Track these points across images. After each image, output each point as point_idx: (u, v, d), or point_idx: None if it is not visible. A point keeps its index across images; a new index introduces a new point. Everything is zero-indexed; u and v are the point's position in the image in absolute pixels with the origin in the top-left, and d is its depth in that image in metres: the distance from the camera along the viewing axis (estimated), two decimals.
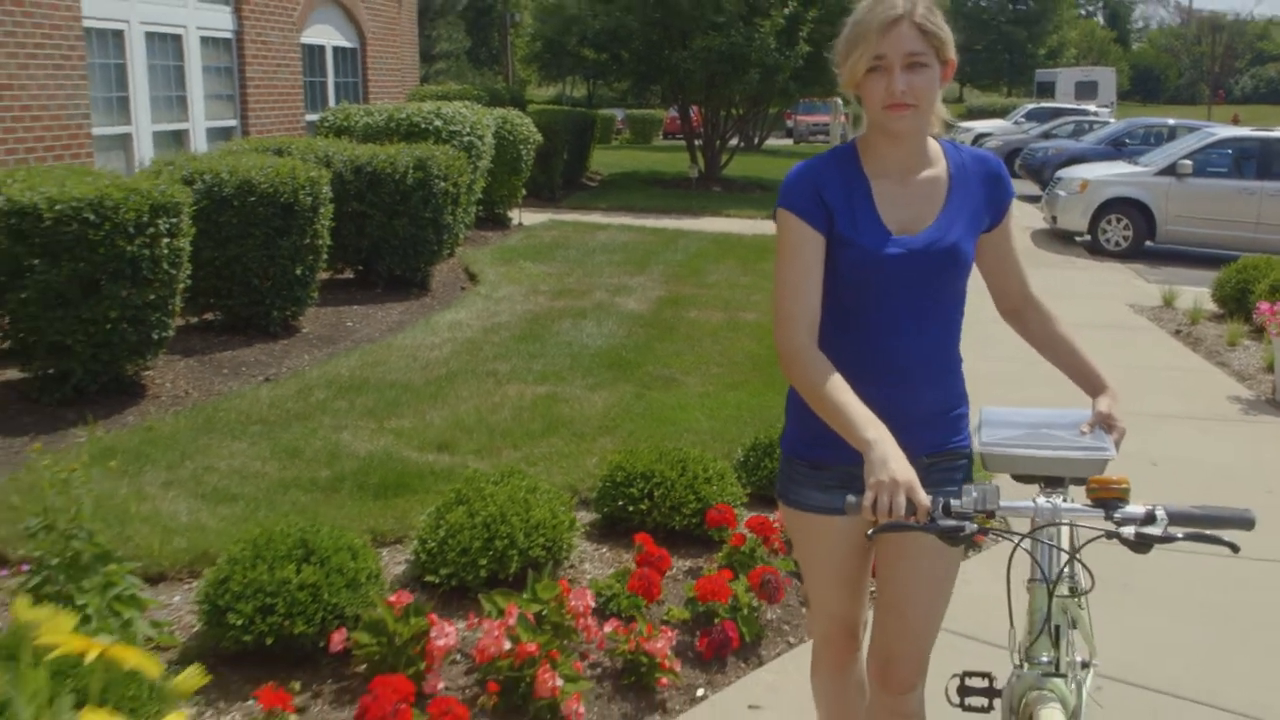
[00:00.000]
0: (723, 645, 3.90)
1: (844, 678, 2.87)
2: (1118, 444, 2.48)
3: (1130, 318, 10.59)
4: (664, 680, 3.69)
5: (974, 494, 2.19)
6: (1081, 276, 13.15)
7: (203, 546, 4.55)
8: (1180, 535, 2.15)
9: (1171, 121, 23.47)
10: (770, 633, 4.12)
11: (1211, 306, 10.52)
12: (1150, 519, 2.21)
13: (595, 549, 4.77)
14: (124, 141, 10.39)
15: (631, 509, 4.73)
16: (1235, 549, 2.14)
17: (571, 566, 4.56)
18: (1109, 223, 15.35)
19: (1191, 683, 3.93)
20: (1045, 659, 2.37)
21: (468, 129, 12.45)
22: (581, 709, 3.40)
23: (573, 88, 44.00)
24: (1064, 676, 2.35)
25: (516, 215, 15.82)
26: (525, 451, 5.88)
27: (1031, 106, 36.42)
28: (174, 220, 6.86)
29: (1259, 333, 9.25)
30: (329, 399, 6.87)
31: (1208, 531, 2.16)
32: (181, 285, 7.11)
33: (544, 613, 3.64)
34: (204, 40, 11.66)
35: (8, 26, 8.64)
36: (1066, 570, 2.46)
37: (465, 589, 4.10)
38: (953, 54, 2.38)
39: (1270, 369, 8.21)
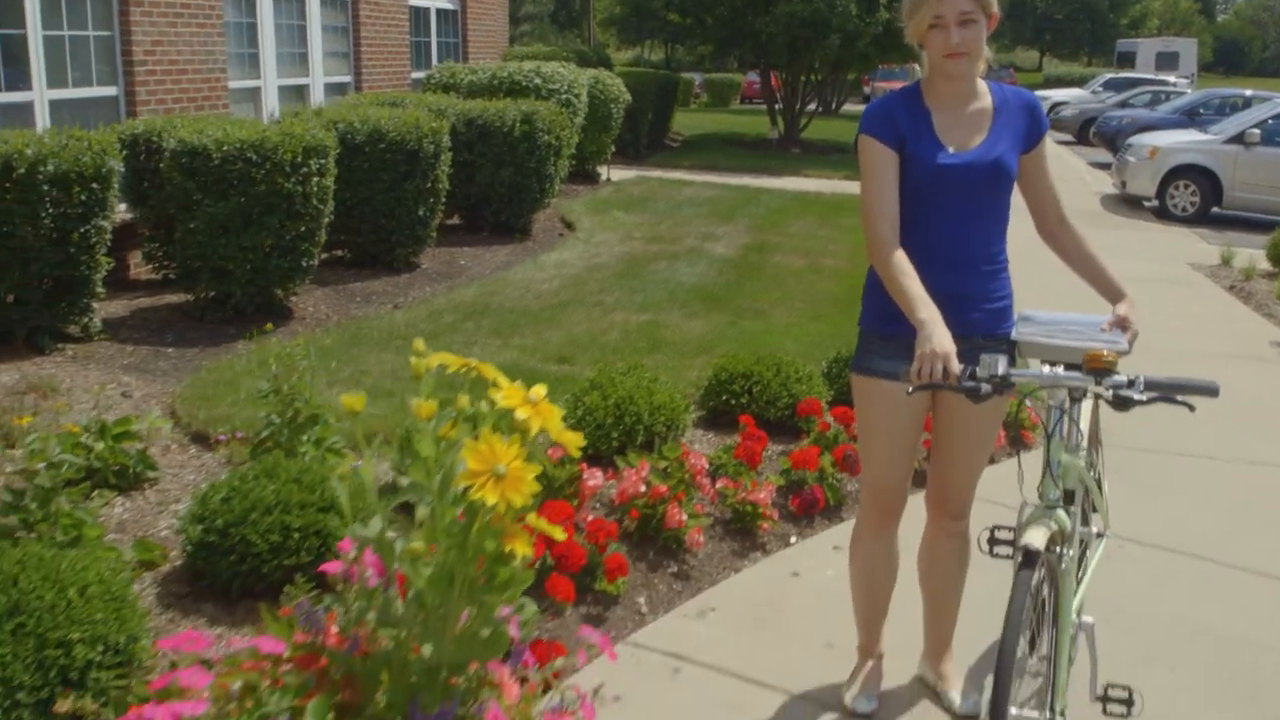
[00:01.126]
0: (811, 505, 4.74)
1: (880, 546, 3.38)
2: (1131, 343, 3.05)
3: (1188, 274, 11.20)
4: (765, 526, 4.55)
5: (988, 361, 2.74)
6: (1146, 238, 13.68)
7: (372, 426, 5.45)
8: (1145, 399, 2.69)
9: (1248, 93, 23.45)
10: (850, 500, 4.95)
11: (1266, 265, 11.09)
12: (1130, 384, 2.69)
13: (703, 435, 5.64)
14: (254, 95, 11.32)
15: (733, 403, 5.59)
16: (1191, 409, 2.66)
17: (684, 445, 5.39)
18: (1176, 189, 15.77)
19: (1207, 549, 4.73)
20: (1053, 495, 2.86)
21: (565, 87, 13.30)
22: (701, 539, 4.28)
23: (651, 51, 44.66)
24: (1065, 509, 2.88)
25: (605, 171, 16.67)
26: (634, 364, 6.72)
27: (1109, 76, 36.41)
28: (322, 161, 7.76)
29: None
30: (457, 321, 7.78)
31: (1177, 397, 2.70)
32: (326, 220, 8.02)
33: (669, 469, 4.51)
34: (323, 1, 12.58)
35: None
36: (1084, 444, 2.99)
37: (599, 456, 4.97)
38: (996, 8, 3.08)
39: None
